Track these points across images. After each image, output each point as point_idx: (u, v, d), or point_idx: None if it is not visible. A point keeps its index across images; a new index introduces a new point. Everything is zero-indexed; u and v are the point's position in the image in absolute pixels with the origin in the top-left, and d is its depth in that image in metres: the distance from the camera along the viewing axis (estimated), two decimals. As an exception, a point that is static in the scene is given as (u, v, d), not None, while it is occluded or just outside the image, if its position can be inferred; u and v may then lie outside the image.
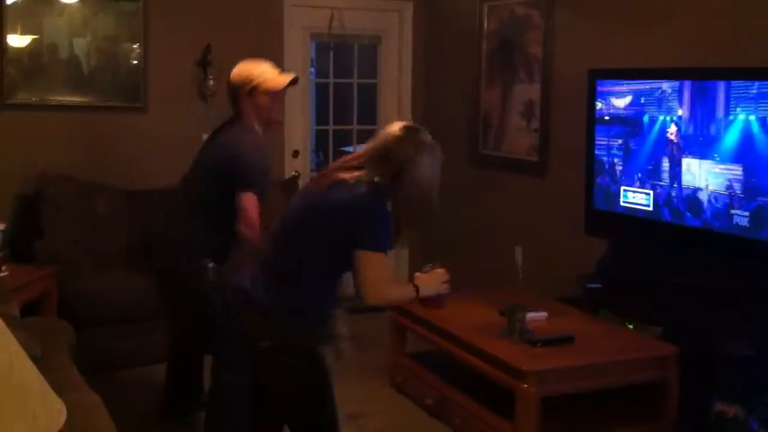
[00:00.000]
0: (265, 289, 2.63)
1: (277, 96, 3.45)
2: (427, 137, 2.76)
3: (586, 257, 4.43)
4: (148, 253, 3.79)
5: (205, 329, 3.44)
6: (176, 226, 3.54)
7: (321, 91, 6.42)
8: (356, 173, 2.63)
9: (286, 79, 3.46)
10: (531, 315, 3.71)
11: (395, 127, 2.75)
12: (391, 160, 2.63)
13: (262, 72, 3.42)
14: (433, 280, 2.80)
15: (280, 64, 5.56)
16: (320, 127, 6.25)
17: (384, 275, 2.62)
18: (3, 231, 4.19)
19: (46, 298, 4.32)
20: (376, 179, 2.61)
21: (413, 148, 2.67)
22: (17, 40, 4.95)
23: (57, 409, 1.57)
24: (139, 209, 5.10)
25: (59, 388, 2.75)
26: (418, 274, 2.83)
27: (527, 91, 5.19)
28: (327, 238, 2.62)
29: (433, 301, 2.83)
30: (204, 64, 5.30)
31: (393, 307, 4.06)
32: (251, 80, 3.39)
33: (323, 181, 2.72)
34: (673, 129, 3.92)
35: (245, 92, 3.40)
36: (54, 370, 3.03)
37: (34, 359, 3.14)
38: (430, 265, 2.88)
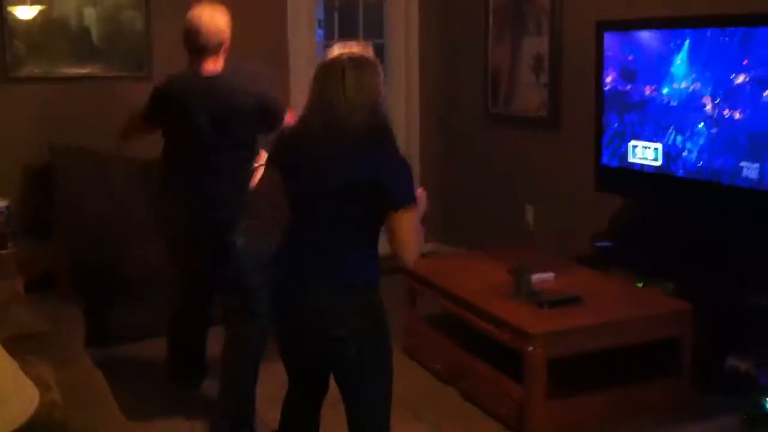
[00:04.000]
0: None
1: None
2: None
3: (600, 214, 4.37)
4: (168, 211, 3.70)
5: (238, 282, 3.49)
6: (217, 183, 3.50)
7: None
8: None
9: None
10: (538, 276, 3.67)
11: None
12: None
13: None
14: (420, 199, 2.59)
15: (284, 27, 5.53)
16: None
17: None
18: (7, 207, 4.19)
19: (58, 272, 4.33)
20: None
21: None
22: (26, 12, 4.91)
23: (29, 394, 1.56)
24: (152, 178, 5.08)
25: (62, 364, 2.79)
26: None
27: (536, 44, 5.09)
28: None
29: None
30: (207, 30, 5.23)
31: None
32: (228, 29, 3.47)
33: None
34: (683, 81, 3.83)
35: (227, 47, 3.46)
36: (58, 346, 3.07)
37: (40, 335, 3.17)
38: None
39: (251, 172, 3.43)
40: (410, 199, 2.43)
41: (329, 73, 2.46)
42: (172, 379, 3.85)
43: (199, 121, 3.42)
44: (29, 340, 3.01)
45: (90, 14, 5.12)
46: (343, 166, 2.42)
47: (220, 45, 3.44)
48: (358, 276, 2.50)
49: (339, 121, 2.42)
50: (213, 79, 3.45)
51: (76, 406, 2.45)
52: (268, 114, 3.43)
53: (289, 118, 3.36)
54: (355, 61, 2.45)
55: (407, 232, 2.42)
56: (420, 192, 2.55)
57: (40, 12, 4.95)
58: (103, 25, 5.16)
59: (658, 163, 3.97)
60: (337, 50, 2.50)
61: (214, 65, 3.45)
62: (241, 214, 3.49)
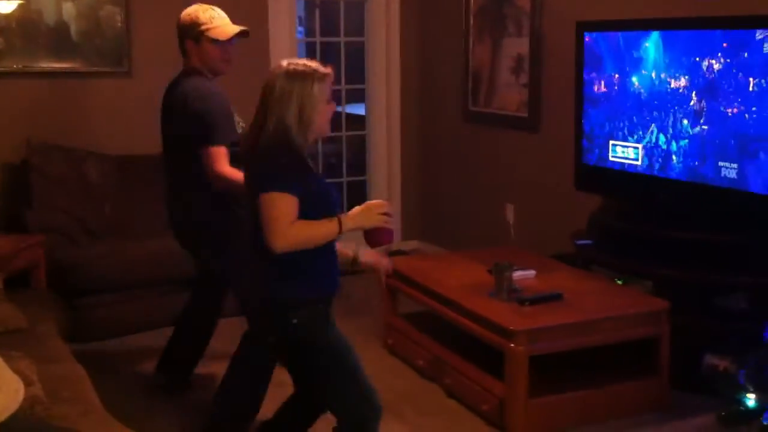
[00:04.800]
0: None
1: (224, 46, 3.33)
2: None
3: (580, 213, 4.40)
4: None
5: None
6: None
7: (310, 50, 6.34)
8: None
9: (234, 29, 3.34)
10: (519, 273, 3.69)
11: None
12: None
13: (211, 18, 3.32)
14: (363, 213, 2.62)
15: (265, 24, 5.52)
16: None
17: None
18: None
19: (34, 268, 4.30)
20: None
21: None
22: (4, 6, 4.86)
23: (14, 389, 1.56)
24: (129, 175, 5.06)
25: (44, 359, 2.78)
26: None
27: (516, 45, 5.12)
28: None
29: (374, 236, 2.64)
30: (188, 26, 5.20)
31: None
32: (198, 25, 3.29)
33: None
34: (661, 80, 3.86)
35: (191, 37, 3.31)
36: (39, 342, 3.05)
37: (19, 331, 3.15)
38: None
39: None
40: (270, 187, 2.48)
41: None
42: (158, 371, 3.82)
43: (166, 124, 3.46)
44: (10, 336, 2.99)
45: (69, 9, 5.09)
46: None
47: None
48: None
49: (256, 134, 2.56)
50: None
51: (58, 401, 2.44)
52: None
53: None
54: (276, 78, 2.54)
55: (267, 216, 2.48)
56: (374, 203, 2.65)
57: (19, 6, 4.91)
58: (82, 21, 5.12)
59: (638, 162, 4.01)
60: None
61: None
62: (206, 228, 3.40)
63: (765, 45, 3.40)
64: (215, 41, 3.31)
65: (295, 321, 2.54)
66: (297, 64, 2.56)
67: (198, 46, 3.32)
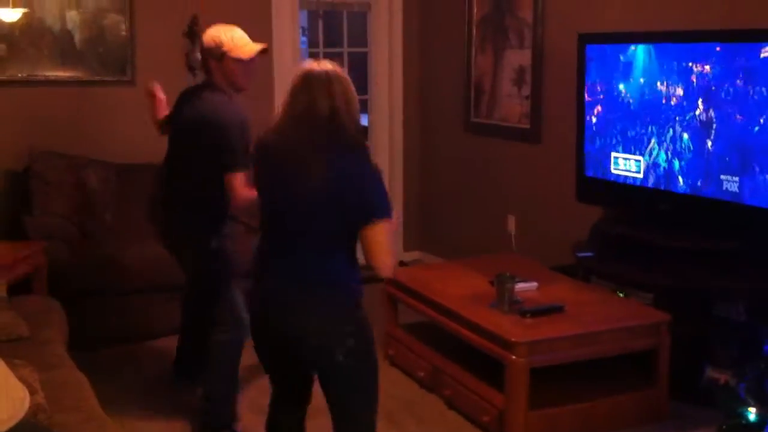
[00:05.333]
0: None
1: (246, 64, 3.42)
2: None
3: (581, 225, 4.41)
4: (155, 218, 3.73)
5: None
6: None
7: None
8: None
9: (255, 48, 3.43)
10: (521, 285, 3.70)
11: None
12: None
13: (232, 38, 3.39)
14: None
15: (269, 34, 5.54)
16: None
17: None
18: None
19: (36, 275, 4.30)
20: None
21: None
22: (8, 14, 4.87)
23: (20, 397, 1.57)
24: (130, 183, 5.07)
25: (46, 367, 2.78)
26: None
27: (518, 57, 5.13)
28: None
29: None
30: (191, 35, 5.22)
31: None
32: (220, 46, 3.37)
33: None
34: (661, 93, 3.88)
35: (215, 57, 3.39)
36: (41, 349, 3.05)
37: (21, 339, 3.15)
38: None
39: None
40: (387, 213, 2.44)
41: (314, 82, 2.45)
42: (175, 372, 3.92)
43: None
44: (12, 344, 2.99)
45: (73, 18, 5.10)
46: (321, 175, 2.41)
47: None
48: (340, 286, 2.50)
49: (321, 130, 2.42)
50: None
51: (60, 409, 2.44)
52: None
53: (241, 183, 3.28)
54: (338, 74, 2.47)
55: (385, 242, 2.42)
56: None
57: (23, 15, 4.92)
58: (86, 29, 5.14)
59: (640, 175, 4.02)
60: (312, 64, 2.50)
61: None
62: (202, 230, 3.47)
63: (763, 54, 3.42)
64: (238, 60, 3.38)
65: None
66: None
67: (221, 65, 3.40)
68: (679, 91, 3.79)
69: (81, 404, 2.61)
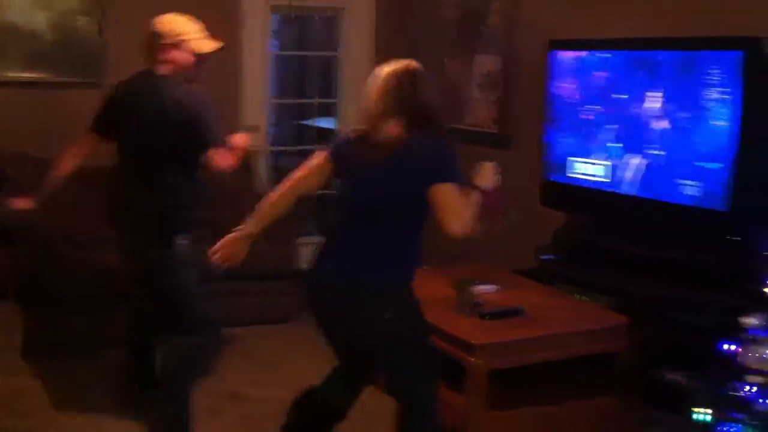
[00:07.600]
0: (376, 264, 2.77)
1: (202, 58, 3.42)
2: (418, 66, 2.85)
3: (547, 229, 4.44)
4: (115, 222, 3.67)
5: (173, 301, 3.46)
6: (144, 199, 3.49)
7: (284, 63, 6.38)
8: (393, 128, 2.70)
9: (214, 44, 3.43)
10: (481, 288, 3.72)
11: (393, 70, 2.85)
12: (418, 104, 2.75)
13: (194, 31, 3.40)
14: (486, 173, 2.87)
15: (238, 37, 5.54)
16: (281, 101, 6.19)
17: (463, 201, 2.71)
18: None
19: (6, 281, 4.27)
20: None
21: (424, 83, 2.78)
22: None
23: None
24: (100, 186, 5.05)
25: (4, 373, 2.76)
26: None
27: (488, 61, 5.17)
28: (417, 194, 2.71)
29: (493, 197, 2.85)
30: (161, 38, 5.22)
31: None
32: (180, 35, 3.36)
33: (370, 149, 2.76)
34: (625, 100, 3.92)
35: (169, 43, 3.35)
36: (1, 356, 3.03)
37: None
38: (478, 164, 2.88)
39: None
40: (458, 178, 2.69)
41: (404, 78, 2.81)
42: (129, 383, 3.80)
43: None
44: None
45: (41, 19, 5.09)
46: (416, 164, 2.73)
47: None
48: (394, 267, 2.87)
49: (419, 121, 2.74)
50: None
51: (15, 416, 2.44)
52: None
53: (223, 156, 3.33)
54: (421, 70, 2.82)
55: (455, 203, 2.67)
56: (490, 164, 2.88)
57: (-7, 16, 4.92)
58: (55, 30, 5.13)
59: (602, 179, 4.06)
60: (393, 65, 2.84)
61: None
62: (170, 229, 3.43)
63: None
64: (195, 53, 3.39)
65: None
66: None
67: (176, 52, 3.36)
68: (642, 97, 3.83)
69: (37, 410, 2.61)
